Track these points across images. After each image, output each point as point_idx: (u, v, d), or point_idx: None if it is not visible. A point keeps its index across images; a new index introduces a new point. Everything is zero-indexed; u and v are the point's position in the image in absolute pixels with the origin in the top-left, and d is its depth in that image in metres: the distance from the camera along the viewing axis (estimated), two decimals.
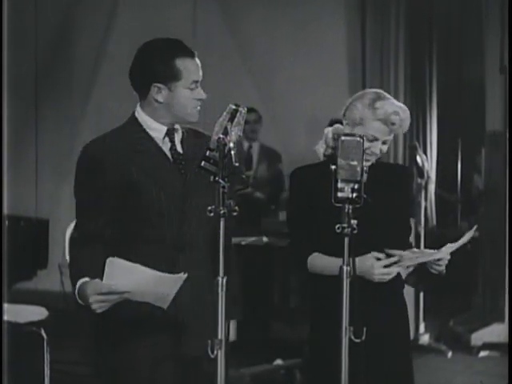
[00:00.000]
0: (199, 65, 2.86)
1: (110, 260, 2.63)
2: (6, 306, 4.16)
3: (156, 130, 2.87)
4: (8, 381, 3.79)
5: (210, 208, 2.47)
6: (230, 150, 2.49)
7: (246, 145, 7.40)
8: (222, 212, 2.46)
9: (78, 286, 2.72)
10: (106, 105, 7.50)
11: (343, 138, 2.64)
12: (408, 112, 3.06)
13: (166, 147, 2.88)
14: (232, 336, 2.56)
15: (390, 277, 2.97)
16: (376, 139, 3.00)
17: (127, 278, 2.63)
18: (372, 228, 2.94)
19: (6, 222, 5.27)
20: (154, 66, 2.81)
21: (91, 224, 2.82)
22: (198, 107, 2.86)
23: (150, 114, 2.87)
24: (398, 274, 3.09)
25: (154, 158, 2.85)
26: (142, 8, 7.70)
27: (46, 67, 7.70)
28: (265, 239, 6.14)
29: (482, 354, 6.28)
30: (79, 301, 2.72)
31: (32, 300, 5.11)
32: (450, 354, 6.27)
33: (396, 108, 3.03)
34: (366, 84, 7.34)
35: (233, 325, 2.55)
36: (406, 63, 7.64)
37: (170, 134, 2.88)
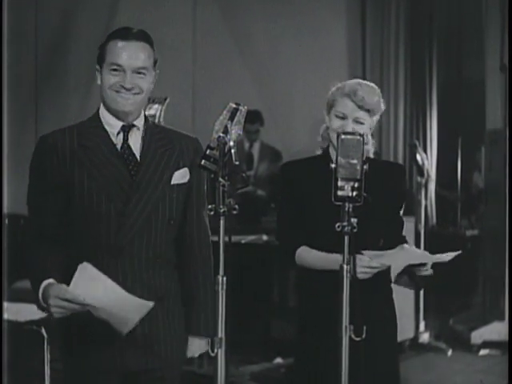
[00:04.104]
0: (133, 49, 2.66)
1: (82, 266, 2.52)
2: (6, 304, 4.15)
3: (111, 124, 2.72)
4: (8, 379, 3.79)
5: (210, 207, 2.43)
6: (230, 148, 2.47)
7: (246, 144, 7.41)
8: (222, 210, 2.43)
9: (42, 286, 2.60)
10: None
11: (343, 136, 2.64)
12: (375, 89, 3.11)
13: (119, 144, 2.72)
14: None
15: (371, 274, 2.97)
16: (345, 117, 3.04)
17: (94, 288, 2.51)
18: (365, 224, 2.94)
19: (6, 221, 5.26)
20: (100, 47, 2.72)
21: (46, 223, 2.69)
22: (126, 95, 2.67)
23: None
24: (387, 274, 3.10)
25: (103, 155, 2.68)
26: (142, 7, 7.70)
27: (45, 66, 7.70)
28: (265, 237, 6.14)
29: (482, 352, 6.28)
30: (42, 303, 2.61)
31: (32, 299, 5.11)
32: (450, 353, 6.27)
33: (359, 81, 3.10)
34: None
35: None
36: (407, 62, 7.65)
37: (125, 129, 2.72)
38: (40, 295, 2.61)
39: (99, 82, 2.70)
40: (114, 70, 2.66)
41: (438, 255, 3.00)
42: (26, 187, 2.74)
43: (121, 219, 2.67)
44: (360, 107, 3.05)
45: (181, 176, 2.76)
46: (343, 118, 3.05)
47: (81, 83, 7.93)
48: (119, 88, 2.67)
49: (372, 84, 3.14)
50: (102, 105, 2.74)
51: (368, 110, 3.06)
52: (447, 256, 2.99)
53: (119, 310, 2.55)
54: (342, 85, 3.10)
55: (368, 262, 2.94)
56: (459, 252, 3.00)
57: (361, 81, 3.12)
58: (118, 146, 2.71)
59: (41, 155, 2.70)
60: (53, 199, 2.68)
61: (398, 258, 3.01)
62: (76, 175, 2.66)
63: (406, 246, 3.11)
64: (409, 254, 3.05)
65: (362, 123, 3.06)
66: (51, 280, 2.60)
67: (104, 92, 2.69)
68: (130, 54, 2.65)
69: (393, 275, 3.12)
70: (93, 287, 2.52)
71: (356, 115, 3.05)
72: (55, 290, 2.55)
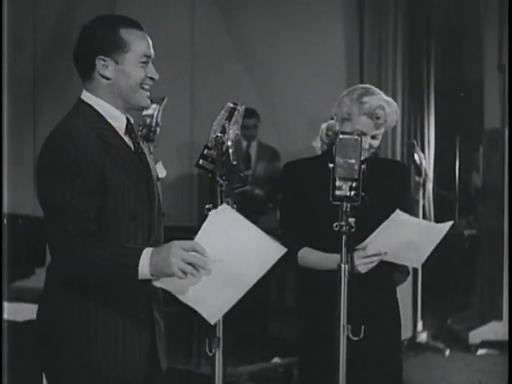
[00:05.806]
0: (149, 40, 2.56)
1: (223, 207, 2.38)
2: (5, 304, 4.15)
3: (117, 118, 2.54)
4: (8, 379, 3.79)
5: (207, 206, 2.43)
6: (227, 148, 2.47)
7: (244, 143, 7.40)
8: None
9: (143, 255, 2.31)
10: None
11: (341, 136, 2.64)
12: (394, 106, 3.05)
13: (127, 140, 2.56)
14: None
15: (373, 265, 2.94)
16: (364, 134, 2.98)
17: (225, 236, 2.37)
18: (366, 223, 2.93)
19: (6, 221, 5.27)
20: (96, 36, 2.56)
21: (86, 225, 2.39)
22: (148, 92, 2.55)
23: (104, 98, 2.55)
24: (390, 273, 3.10)
25: (123, 153, 2.51)
26: (140, 8, 7.70)
27: (44, 66, 7.70)
28: None
29: (480, 352, 6.28)
30: (151, 271, 2.32)
31: (30, 298, 5.11)
32: (447, 352, 6.27)
33: (381, 102, 3.02)
34: (364, 82, 7.34)
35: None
36: (404, 61, 7.65)
37: (129, 124, 2.58)
38: (148, 265, 2.31)
39: (109, 75, 2.54)
40: (144, 62, 2.54)
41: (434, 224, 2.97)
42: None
43: (150, 219, 2.54)
44: (378, 126, 3.03)
45: (162, 170, 2.67)
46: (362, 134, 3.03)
47: (80, 83, 7.92)
48: (148, 81, 2.55)
49: (390, 99, 3.07)
50: (93, 96, 2.60)
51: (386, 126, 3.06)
52: (444, 225, 2.96)
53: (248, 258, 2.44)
54: (360, 98, 3.02)
55: (363, 253, 2.92)
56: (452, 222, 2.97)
57: (382, 100, 3.03)
58: (127, 141, 2.56)
59: (75, 153, 2.42)
60: (92, 198, 2.41)
61: (390, 242, 2.96)
62: (111, 176, 2.45)
63: (396, 217, 2.94)
64: (400, 233, 2.95)
65: (377, 138, 3.06)
66: (147, 248, 2.35)
67: (132, 87, 2.52)
68: (150, 44, 2.58)
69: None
70: (229, 232, 2.40)
71: (374, 133, 3.03)
72: (177, 243, 2.32)
